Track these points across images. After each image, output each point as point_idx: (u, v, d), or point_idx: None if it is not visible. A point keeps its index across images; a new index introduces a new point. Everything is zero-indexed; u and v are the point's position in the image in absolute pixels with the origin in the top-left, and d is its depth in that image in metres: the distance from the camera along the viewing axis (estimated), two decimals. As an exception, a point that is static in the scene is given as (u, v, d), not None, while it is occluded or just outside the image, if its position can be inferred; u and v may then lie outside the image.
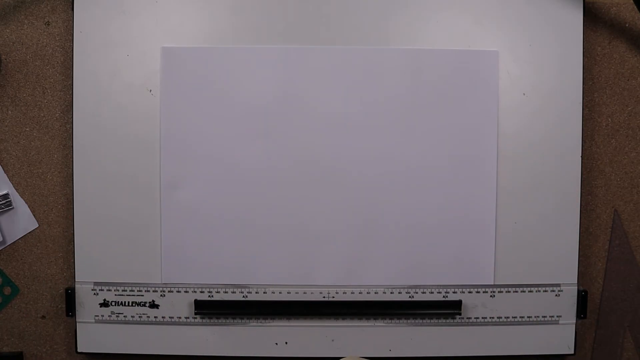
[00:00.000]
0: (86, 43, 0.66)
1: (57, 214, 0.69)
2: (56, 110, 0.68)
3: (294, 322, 0.68)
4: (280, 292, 0.68)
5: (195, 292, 0.68)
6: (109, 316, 0.68)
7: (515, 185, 0.67)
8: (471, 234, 0.67)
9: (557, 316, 0.68)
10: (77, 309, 0.67)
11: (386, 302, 0.68)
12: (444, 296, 0.68)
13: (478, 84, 0.66)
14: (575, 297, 0.68)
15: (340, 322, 0.68)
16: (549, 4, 0.66)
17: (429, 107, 0.66)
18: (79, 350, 0.68)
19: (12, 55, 0.68)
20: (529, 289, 0.68)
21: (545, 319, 0.68)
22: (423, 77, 0.66)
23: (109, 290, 0.67)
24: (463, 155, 0.67)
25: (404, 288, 0.68)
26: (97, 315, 0.68)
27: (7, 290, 0.70)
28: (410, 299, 0.68)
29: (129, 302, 0.67)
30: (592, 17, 0.69)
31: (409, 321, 0.68)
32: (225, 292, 0.68)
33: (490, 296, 0.68)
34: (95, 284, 0.67)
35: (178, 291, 0.68)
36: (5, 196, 0.68)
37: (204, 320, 0.68)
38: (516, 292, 0.68)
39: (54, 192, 0.69)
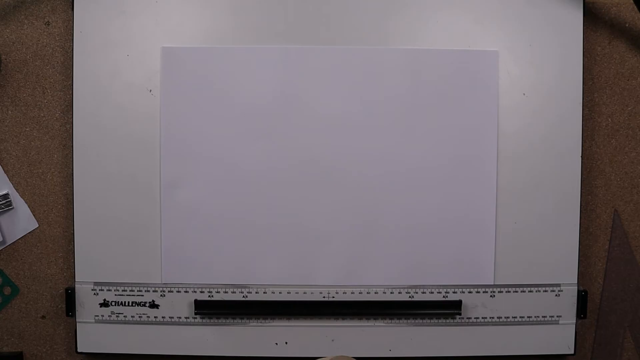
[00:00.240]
0: (86, 43, 0.66)
1: (57, 214, 0.69)
2: (56, 110, 0.68)
3: (294, 322, 0.68)
4: (280, 292, 0.68)
5: (195, 292, 0.68)
6: (109, 316, 0.68)
7: (515, 185, 0.67)
8: (471, 234, 0.67)
9: (557, 316, 0.68)
10: (77, 309, 0.68)
11: (386, 302, 0.68)
12: (444, 296, 0.68)
13: (478, 84, 0.66)
14: (575, 297, 0.68)
15: (340, 322, 0.68)
16: (549, 4, 0.66)
17: (429, 107, 0.66)
18: (79, 350, 0.68)
19: (12, 55, 0.68)
20: (529, 289, 0.68)
21: (545, 319, 0.68)
22: (423, 77, 0.66)
23: (109, 290, 0.67)
24: (463, 155, 0.67)
25: (404, 288, 0.68)
26: (97, 315, 0.68)
27: (7, 290, 0.70)
28: (410, 299, 0.68)
29: (129, 302, 0.67)
30: (592, 17, 0.69)
31: (409, 321, 0.68)
32: (225, 292, 0.68)
33: (490, 296, 0.68)
34: (95, 284, 0.67)
35: (178, 291, 0.68)
36: (5, 196, 0.68)
37: (204, 320, 0.68)
38: (516, 292, 0.68)
39: (54, 192, 0.69)
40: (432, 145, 0.67)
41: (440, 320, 0.68)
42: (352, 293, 0.68)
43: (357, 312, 0.68)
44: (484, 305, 0.68)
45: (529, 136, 0.67)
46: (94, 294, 0.67)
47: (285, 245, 0.67)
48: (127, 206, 0.67)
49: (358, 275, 0.68)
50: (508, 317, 0.68)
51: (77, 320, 0.68)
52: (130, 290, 0.67)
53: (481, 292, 0.68)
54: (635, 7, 0.68)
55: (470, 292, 0.68)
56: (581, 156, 0.67)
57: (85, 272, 0.67)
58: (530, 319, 0.68)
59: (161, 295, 0.67)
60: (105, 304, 0.67)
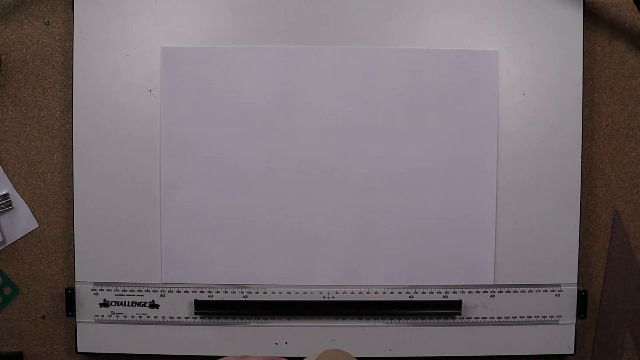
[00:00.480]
0: (86, 43, 0.66)
1: (57, 214, 0.69)
2: (56, 110, 0.68)
3: (294, 322, 0.68)
4: (280, 292, 0.68)
5: (195, 292, 0.68)
6: (109, 316, 0.68)
7: (515, 185, 0.67)
8: (471, 234, 0.67)
9: (557, 316, 0.68)
10: (77, 309, 0.67)
11: (386, 302, 0.68)
12: (444, 296, 0.68)
13: (478, 84, 0.66)
14: (575, 297, 0.68)
15: (340, 322, 0.68)
16: (549, 4, 0.66)
17: (429, 107, 0.66)
18: (79, 350, 0.68)
19: (12, 55, 0.68)
20: (529, 289, 0.68)
21: (545, 319, 0.68)
22: (423, 77, 0.66)
23: (109, 290, 0.67)
24: (463, 155, 0.67)
25: (404, 288, 0.68)
26: (97, 315, 0.68)
27: (7, 290, 0.70)
28: (410, 299, 0.68)
29: (129, 302, 0.67)
30: (592, 17, 0.69)
31: (409, 321, 0.68)
32: (225, 292, 0.68)
33: (490, 296, 0.68)
34: (95, 284, 0.67)
35: (178, 291, 0.68)
36: (5, 196, 0.68)
37: (204, 320, 0.68)
38: (516, 292, 0.68)
39: (54, 192, 0.69)
40: (432, 145, 0.67)
41: (440, 320, 0.68)
42: (352, 293, 0.68)
43: (357, 312, 0.68)
44: (484, 305, 0.68)
45: (529, 136, 0.67)
46: (94, 294, 0.67)
47: (285, 245, 0.67)
48: (127, 206, 0.67)
49: (358, 275, 0.68)
50: (508, 317, 0.68)
51: (77, 320, 0.68)
52: (130, 290, 0.67)
53: (481, 292, 0.68)
54: (635, 7, 0.68)
55: (470, 292, 0.68)
56: (581, 156, 0.67)
57: (85, 272, 0.67)
58: (530, 319, 0.68)
59: (161, 295, 0.67)
60: (105, 304, 0.67)
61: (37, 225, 0.69)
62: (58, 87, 0.68)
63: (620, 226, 0.71)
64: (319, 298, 0.68)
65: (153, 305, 0.68)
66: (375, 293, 0.68)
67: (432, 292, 0.68)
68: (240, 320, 0.68)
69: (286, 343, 0.68)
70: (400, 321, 0.68)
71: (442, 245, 0.67)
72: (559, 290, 0.68)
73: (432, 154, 0.67)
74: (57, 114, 0.68)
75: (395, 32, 0.66)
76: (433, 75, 0.66)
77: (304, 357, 0.46)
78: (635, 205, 0.71)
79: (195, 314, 0.67)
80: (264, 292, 0.68)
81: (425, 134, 0.67)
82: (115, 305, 0.67)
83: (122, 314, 0.68)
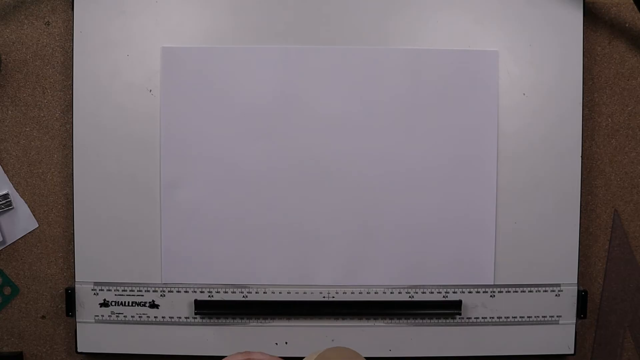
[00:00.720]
0: (86, 43, 0.66)
1: (57, 214, 0.69)
2: (56, 110, 0.68)
3: (294, 322, 0.68)
4: (280, 292, 0.68)
5: (195, 292, 0.68)
6: (109, 316, 0.68)
7: (515, 185, 0.67)
8: (471, 234, 0.67)
9: (557, 316, 0.68)
10: (77, 309, 0.67)
11: (386, 302, 0.68)
12: (444, 296, 0.68)
13: (478, 84, 0.66)
14: (575, 297, 0.68)
15: (340, 322, 0.68)
16: (549, 4, 0.66)
17: (429, 107, 0.66)
18: (79, 350, 0.68)
19: (12, 55, 0.68)
20: (529, 289, 0.68)
21: (545, 319, 0.68)
22: (423, 77, 0.66)
23: (109, 290, 0.67)
24: (463, 155, 0.67)
25: (404, 288, 0.68)
26: (97, 315, 0.68)
27: (7, 290, 0.70)
28: (410, 299, 0.68)
29: (129, 302, 0.67)
30: (592, 17, 0.69)
31: (409, 321, 0.68)
32: (225, 292, 0.68)
33: (490, 296, 0.68)
34: (95, 284, 0.67)
35: (178, 291, 0.68)
36: (5, 196, 0.68)
37: (204, 320, 0.68)
38: (516, 292, 0.68)
39: (54, 192, 0.69)
40: (432, 145, 0.67)
41: (440, 320, 0.68)
42: (352, 293, 0.68)
43: (357, 312, 0.68)
44: (484, 305, 0.68)
45: (529, 136, 0.67)
46: (94, 294, 0.67)
47: (285, 245, 0.67)
48: (127, 206, 0.67)
49: (358, 275, 0.68)
50: (508, 317, 0.68)
51: (77, 320, 0.68)
52: (130, 290, 0.67)
53: (481, 292, 0.68)
54: (635, 7, 0.68)
55: (470, 292, 0.68)
56: (581, 156, 0.67)
57: (85, 272, 0.67)
58: (530, 319, 0.68)
59: (161, 295, 0.67)
60: (105, 304, 0.67)
61: (37, 225, 0.69)
62: (58, 87, 0.68)
63: (620, 226, 0.71)
64: (319, 298, 0.68)
65: (153, 305, 0.68)
66: (375, 293, 0.68)
67: (432, 292, 0.68)
68: (240, 320, 0.68)
69: (286, 343, 0.68)
70: (400, 321, 0.68)
71: (442, 245, 0.67)
72: (559, 290, 0.68)
73: (432, 154, 0.67)
74: (57, 114, 0.68)
75: (395, 32, 0.66)
76: (433, 75, 0.66)
77: (303, 357, 0.46)
78: (635, 205, 0.71)
79: (195, 314, 0.67)
80: (264, 292, 0.68)
81: (425, 134, 0.67)
82: (115, 305, 0.67)
83: (122, 314, 0.68)
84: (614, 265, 0.71)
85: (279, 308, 0.68)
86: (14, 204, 0.69)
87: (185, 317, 0.68)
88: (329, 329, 0.68)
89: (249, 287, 0.68)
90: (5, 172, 0.69)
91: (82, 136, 0.66)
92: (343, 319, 0.68)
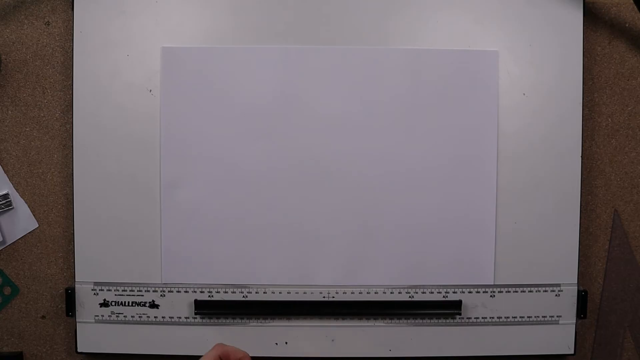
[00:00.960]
0: (86, 43, 0.66)
1: (57, 214, 0.69)
2: (56, 110, 0.68)
3: (294, 322, 0.68)
4: (280, 292, 0.68)
5: (195, 292, 0.68)
6: (109, 316, 0.68)
7: (515, 185, 0.67)
8: (471, 234, 0.67)
9: (557, 316, 0.68)
10: (77, 309, 0.67)
11: (386, 302, 0.68)
12: (444, 296, 0.68)
13: (478, 84, 0.66)
14: (575, 297, 0.68)
15: (340, 322, 0.68)
16: (549, 4, 0.66)
17: (429, 107, 0.66)
18: (79, 350, 0.68)
19: (12, 55, 0.68)
20: (529, 289, 0.68)
21: (545, 319, 0.68)
22: (423, 77, 0.66)
23: (109, 290, 0.67)
24: (463, 155, 0.67)
25: (404, 288, 0.68)
26: (97, 315, 0.68)
27: (7, 290, 0.70)
28: (410, 299, 0.68)
29: (129, 302, 0.67)
30: (592, 17, 0.69)
31: (409, 321, 0.68)
32: (225, 292, 0.68)
33: (490, 296, 0.68)
34: (95, 284, 0.67)
35: (178, 291, 0.68)
36: (5, 196, 0.68)
37: (204, 320, 0.68)
38: (516, 292, 0.68)
39: (54, 192, 0.69)
40: (432, 145, 0.67)
41: (440, 320, 0.68)
42: (352, 293, 0.68)
43: (357, 312, 0.68)
44: (484, 305, 0.68)
45: (529, 136, 0.67)
46: (94, 294, 0.67)
47: (285, 245, 0.67)
48: (127, 206, 0.67)
49: (358, 275, 0.68)
50: (508, 317, 0.68)
51: (77, 320, 0.68)
52: (130, 290, 0.67)
53: (481, 292, 0.68)
54: (635, 7, 0.68)
55: (470, 292, 0.68)
56: (581, 156, 0.67)
57: (85, 272, 0.67)
58: (530, 319, 0.68)
59: (161, 295, 0.67)
60: (105, 304, 0.67)
61: (37, 225, 0.69)
62: (58, 87, 0.68)
63: (620, 226, 0.71)
64: (319, 298, 0.68)
65: (153, 305, 0.68)
66: (375, 293, 0.68)
67: (432, 292, 0.68)
68: (240, 320, 0.68)
69: (286, 343, 0.68)
70: (400, 321, 0.68)
71: (442, 245, 0.67)
72: (559, 290, 0.68)
73: (432, 154, 0.67)
74: (57, 114, 0.68)
75: (395, 32, 0.66)
76: (433, 75, 0.66)
77: (303, 357, 0.45)
78: (635, 205, 0.71)
79: (195, 314, 0.67)
80: (264, 292, 0.68)
81: (425, 134, 0.67)
82: (115, 305, 0.67)
83: (122, 314, 0.68)
84: (614, 265, 0.71)
85: (279, 308, 0.68)
86: (14, 204, 0.69)
87: (185, 317, 0.68)
88: (329, 329, 0.68)
89: (249, 287, 0.68)
90: (5, 172, 0.69)
91: (82, 136, 0.66)
92: (343, 319, 0.68)
